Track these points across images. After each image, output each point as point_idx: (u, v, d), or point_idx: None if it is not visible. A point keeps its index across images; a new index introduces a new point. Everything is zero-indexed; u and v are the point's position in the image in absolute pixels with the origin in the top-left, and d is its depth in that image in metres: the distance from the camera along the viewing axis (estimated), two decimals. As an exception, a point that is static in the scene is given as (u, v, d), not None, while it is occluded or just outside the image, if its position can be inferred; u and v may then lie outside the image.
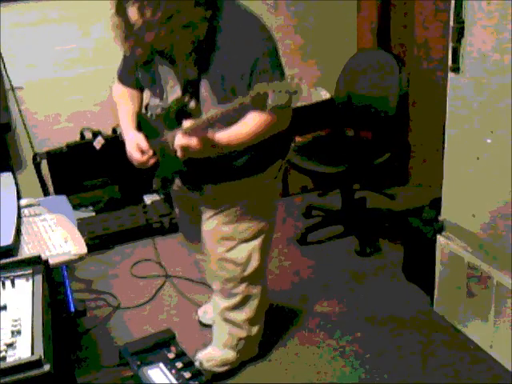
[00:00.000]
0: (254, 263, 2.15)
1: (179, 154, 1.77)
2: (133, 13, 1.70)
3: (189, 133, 1.72)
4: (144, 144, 1.94)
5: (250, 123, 1.78)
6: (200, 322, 2.64)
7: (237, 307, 2.23)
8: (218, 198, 2.07)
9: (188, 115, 1.83)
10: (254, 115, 1.74)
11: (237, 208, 2.07)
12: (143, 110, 2.13)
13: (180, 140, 1.75)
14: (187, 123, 1.73)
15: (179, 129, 1.78)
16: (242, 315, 2.24)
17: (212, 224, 2.11)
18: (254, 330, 2.29)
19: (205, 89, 1.84)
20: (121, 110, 2.11)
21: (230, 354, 2.30)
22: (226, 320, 2.26)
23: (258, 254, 2.15)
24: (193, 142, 1.72)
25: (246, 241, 2.12)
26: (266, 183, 2.08)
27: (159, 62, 1.93)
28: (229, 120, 1.68)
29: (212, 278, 2.29)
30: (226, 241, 2.12)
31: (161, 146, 1.95)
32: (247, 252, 2.14)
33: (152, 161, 1.95)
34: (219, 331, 2.31)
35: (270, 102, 1.39)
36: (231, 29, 1.79)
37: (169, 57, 1.87)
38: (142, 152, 1.94)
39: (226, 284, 2.19)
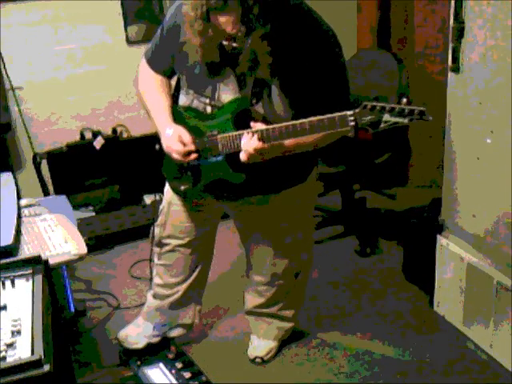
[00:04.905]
0: (308, 268, 2.37)
1: (245, 157, 1.72)
2: (227, 22, 1.63)
3: (263, 137, 1.70)
4: (187, 137, 1.88)
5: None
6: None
7: (288, 305, 2.38)
8: (274, 210, 2.07)
9: (250, 117, 1.78)
10: None
11: (293, 219, 2.12)
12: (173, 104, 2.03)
13: (254, 144, 1.70)
14: (261, 126, 1.71)
15: (241, 132, 1.74)
16: (292, 311, 2.41)
17: (273, 239, 2.16)
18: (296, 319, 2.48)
19: (275, 92, 1.79)
20: (154, 101, 2.00)
21: (277, 343, 2.46)
22: (278, 317, 2.39)
23: (311, 262, 2.36)
24: (266, 146, 1.70)
25: (305, 249, 2.28)
26: (311, 190, 2.15)
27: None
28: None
29: (258, 291, 2.34)
30: (289, 251, 2.21)
31: (205, 146, 1.89)
32: (306, 260, 2.31)
33: (193, 156, 1.88)
34: (268, 326, 2.42)
35: (362, 122, 1.54)
36: (307, 34, 1.76)
37: (246, 62, 1.77)
38: (184, 145, 1.87)
39: (283, 289, 2.30)
